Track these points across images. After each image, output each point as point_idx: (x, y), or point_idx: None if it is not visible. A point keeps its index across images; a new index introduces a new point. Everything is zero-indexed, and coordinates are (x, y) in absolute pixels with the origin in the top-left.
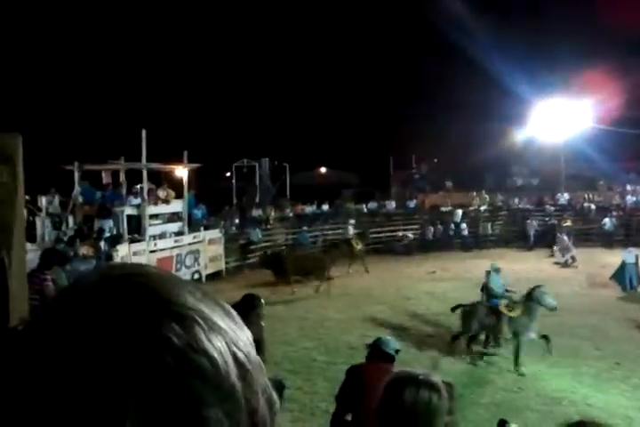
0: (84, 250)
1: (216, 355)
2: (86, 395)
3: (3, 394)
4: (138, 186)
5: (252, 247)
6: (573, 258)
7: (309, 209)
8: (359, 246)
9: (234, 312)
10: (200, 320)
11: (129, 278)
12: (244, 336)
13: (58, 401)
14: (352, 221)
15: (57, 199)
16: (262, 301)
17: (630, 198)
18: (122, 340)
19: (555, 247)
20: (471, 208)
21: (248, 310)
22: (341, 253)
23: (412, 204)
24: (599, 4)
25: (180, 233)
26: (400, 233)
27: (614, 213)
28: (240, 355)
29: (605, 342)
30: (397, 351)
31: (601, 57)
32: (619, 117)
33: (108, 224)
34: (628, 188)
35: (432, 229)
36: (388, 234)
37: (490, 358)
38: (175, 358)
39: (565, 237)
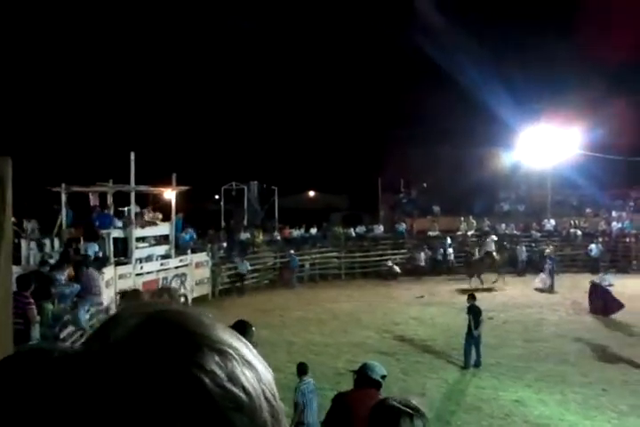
0: (69, 273)
1: (251, 389)
2: (140, 415)
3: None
4: (125, 208)
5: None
6: (551, 285)
7: (297, 233)
8: (499, 259)
9: (255, 352)
10: (236, 356)
11: (164, 318)
12: (268, 374)
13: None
14: (493, 237)
15: (35, 224)
16: (253, 328)
17: (616, 225)
18: (172, 374)
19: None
20: (459, 233)
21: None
22: (484, 264)
23: (400, 228)
24: (584, 34)
25: (166, 256)
26: (389, 263)
27: (600, 240)
28: (267, 391)
29: (591, 369)
30: (384, 377)
31: (587, 84)
32: (605, 145)
33: (94, 247)
34: (614, 214)
35: (422, 254)
36: (376, 258)
37: (477, 384)
38: (218, 390)
39: (547, 264)
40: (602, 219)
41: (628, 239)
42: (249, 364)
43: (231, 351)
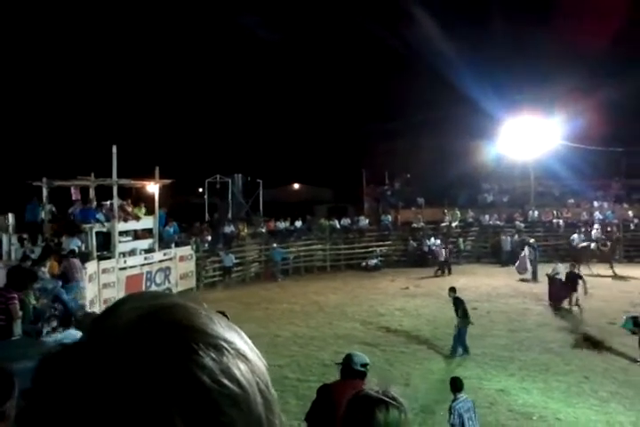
0: (51, 268)
1: (245, 382)
2: (141, 410)
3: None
4: (107, 202)
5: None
6: (534, 275)
7: (282, 225)
8: (606, 248)
9: (249, 341)
10: (230, 349)
11: (162, 310)
12: (261, 364)
13: (115, 419)
14: (597, 226)
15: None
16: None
17: (598, 215)
18: (163, 369)
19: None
20: (443, 224)
21: None
22: (593, 254)
23: (386, 220)
24: (564, 25)
25: (150, 250)
26: (372, 260)
27: (582, 230)
28: (261, 383)
29: (574, 357)
30: (366, 365)
31: (569, 76)
32: (587, 136)
33: (76, 242)
34: (596, 204)
35: (414, 244)
36: (361, 251)
37: (462, 374)
38: (214, 385)
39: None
40: (584, 209)
41: (609, 229)
42: (244, 357)
43: (226, 345)
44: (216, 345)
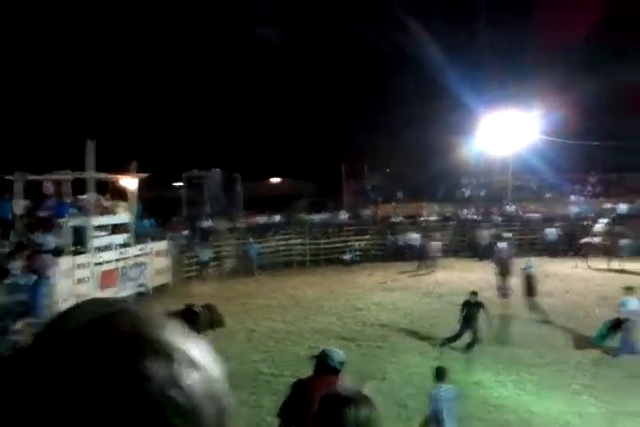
0: (23, 263)
1: (192, 391)
2: (82, 422)
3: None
4: (83, 196)
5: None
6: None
7: (261, 220)
8: (608, 243)
9: (209, 347)
10: (178, 357)
11: (112, 317)
12: (217, 374)
13: None
14: (603, 220)
15: None
16: (200, 315)
17: (574, 209)
18: (108, 377)
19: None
20: (421, 219)
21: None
22: (595, 248)
23: (366, 214)
24: (545, 22)
25: (125, 245)
26: (346, 255)
27: (558, 224)
28: (215, 391)
29: (547, 350)
30: (342, 363)
31: (547, 71)
32: (563, 130)
33: (50, 237)
34: (572, 198)
35: (392, 238)
36: (340, 245)
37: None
38: (160, 395)
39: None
40: (560, 203)
41: (585, 223)
42: (195, 365)
43: (177, 354)
44: (165, 354)
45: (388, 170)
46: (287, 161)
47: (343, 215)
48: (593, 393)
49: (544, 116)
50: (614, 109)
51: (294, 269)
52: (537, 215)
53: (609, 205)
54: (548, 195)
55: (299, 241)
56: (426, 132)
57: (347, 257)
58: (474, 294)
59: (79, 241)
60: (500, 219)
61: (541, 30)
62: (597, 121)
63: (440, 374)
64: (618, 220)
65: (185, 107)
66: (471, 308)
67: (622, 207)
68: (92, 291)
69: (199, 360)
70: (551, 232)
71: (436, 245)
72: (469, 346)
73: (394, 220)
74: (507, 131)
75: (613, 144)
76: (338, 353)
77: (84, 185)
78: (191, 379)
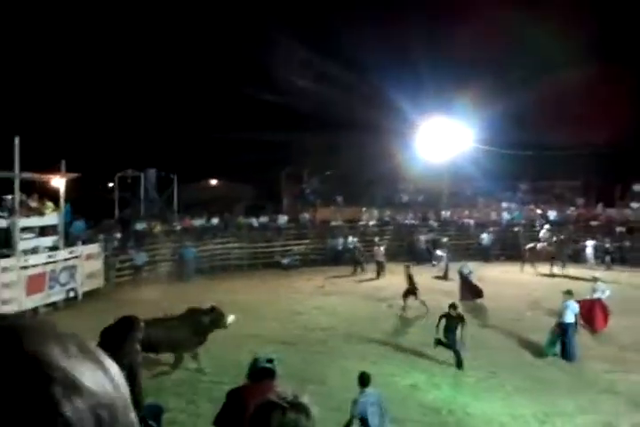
0: None
1: (74, 417)
2: None
3: None
4: (9, 196)
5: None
6: (445, 273)
7: (198, 222)
8: (551, 248)
9: (112, 369)
10: (63, 381)
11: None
12: (116, 395)
13: None
14: (547, 226)
15: None
16: (141, 324)
17: (506, 215)
18: None
19: (434, 262)
20: (360, 223)
21: (125, 333)
22: (539, 254)
23: (305, 218)
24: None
25: (54, 248)
26: (284, 260)
27: (491, 229)
28: (105, 416)
29: (483, 352)
30: (272, 361)
31: (480, 79)
32: (498, 140)
33: None
34: (504, 205)
35: (335, 241)
36: (279, 249)
37: (376, 371)
38: (33, 419)
39: (441, 253)
40: (493, 209)
41: (516, 229)
42: (81, 389)
43: (59, 377)
44: (46, 375)
45: (327, 173)
46: (225, 163)
47: (282, 219)
48: (525, 395)
49: (478, 126)
50: (546, 121)
51: (232, 273)
52: (471, 221)
53: (539, 212)
54: (481, 200)
55: (237, 245)
56: (365, 137)
57: (285, 261)
58: (453, 306)
59: (4, 243)
60: (436, 224)
61: (477, 39)
62: (529, 131)
63: (364, 380)
64: (550, 226)
65: (118, 104)
66: (451, 321)
67: (552, 214)
68: (18, 296)
69: (90, 385)
70: (485, 237)
71: (381, 250)
72: (459, 365)
73: (333, 224)
74: (443, 138)
75: (543, 154)
76: (264, 355)
77: (10, 185)
78: (72, 403)
